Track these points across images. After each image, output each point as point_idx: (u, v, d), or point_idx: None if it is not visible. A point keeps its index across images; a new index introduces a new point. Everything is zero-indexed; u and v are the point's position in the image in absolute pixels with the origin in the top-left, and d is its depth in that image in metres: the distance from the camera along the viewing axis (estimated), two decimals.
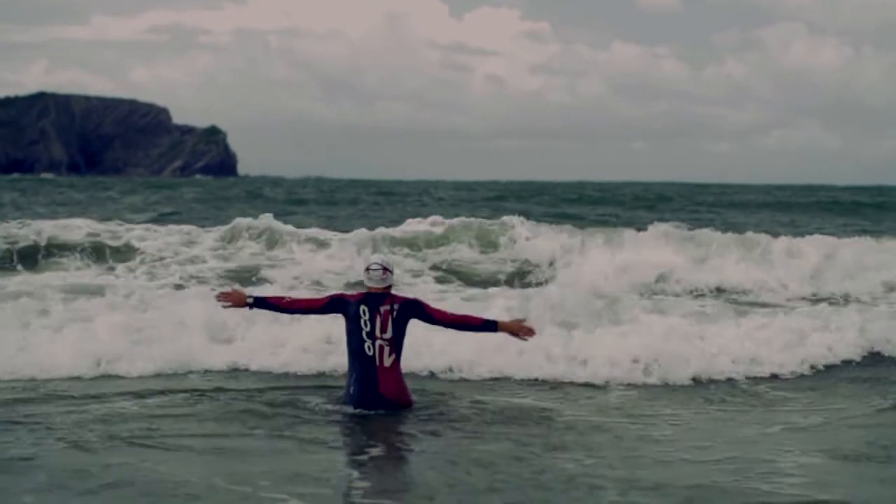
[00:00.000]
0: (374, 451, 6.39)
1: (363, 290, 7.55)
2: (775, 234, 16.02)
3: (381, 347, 7.32)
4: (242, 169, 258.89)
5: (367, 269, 7.53)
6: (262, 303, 7.57)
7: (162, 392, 7.93)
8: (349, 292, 8.06)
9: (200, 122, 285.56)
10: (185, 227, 16.36)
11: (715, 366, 9.19)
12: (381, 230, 15.93)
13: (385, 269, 7.49)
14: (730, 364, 9.26)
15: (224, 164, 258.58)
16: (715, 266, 14.47)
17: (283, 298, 7.91)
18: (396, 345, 7.38)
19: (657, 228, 15.58)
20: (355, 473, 5.91)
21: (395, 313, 7.36)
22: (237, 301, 7.50)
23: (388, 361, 7.35)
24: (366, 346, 7.31)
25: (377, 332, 7.31)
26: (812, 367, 9.47)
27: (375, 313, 7.34)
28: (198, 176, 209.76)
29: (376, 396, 7.32)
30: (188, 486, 5.42)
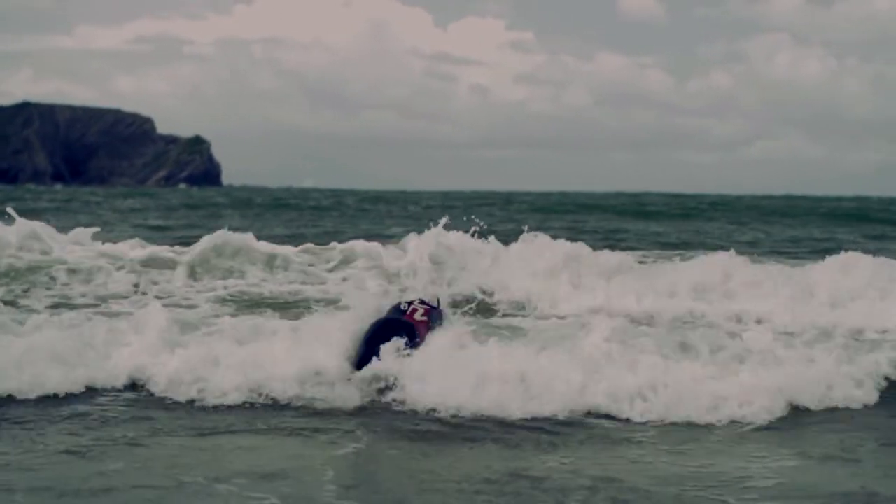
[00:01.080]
0: (352, 447, 6.42)
1: None
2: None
3: (415, 309, 7.70)
4: (226, 178, 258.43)
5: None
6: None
7: (151, 393, 7.87)
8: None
9: (185, 131, 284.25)
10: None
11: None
12: None
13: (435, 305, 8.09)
14: None
15: (208, 174, 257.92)
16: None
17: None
18: (430, 314, 7.74)
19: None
20: (330, 472, 5.90)
21: (433, 302, 8.07)
22: None
23: (418, 317, 7.65)
24: (401, 305, 7.79)
25: (412, 297, 7.94)
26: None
27: (415, 298, 8.01)
28: (182, 185, 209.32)
29: (401, 320, 7.53)
30: (171, 486, 5.45)
